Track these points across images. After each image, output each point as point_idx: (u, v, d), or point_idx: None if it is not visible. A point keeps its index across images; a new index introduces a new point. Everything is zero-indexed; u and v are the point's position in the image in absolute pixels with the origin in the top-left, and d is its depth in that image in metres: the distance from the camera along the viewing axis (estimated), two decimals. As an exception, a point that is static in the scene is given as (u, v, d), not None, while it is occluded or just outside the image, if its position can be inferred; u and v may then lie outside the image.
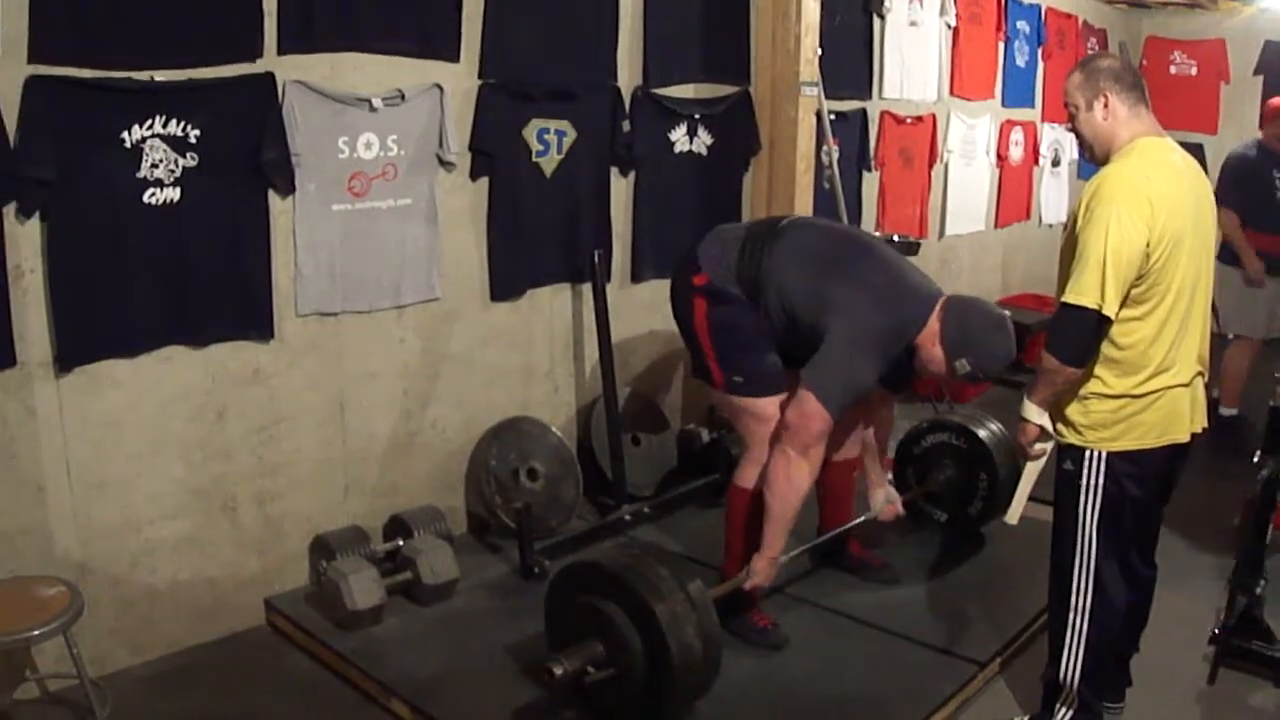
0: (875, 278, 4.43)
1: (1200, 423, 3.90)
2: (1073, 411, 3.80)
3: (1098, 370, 3.71)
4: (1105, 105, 3.73)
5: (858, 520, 5.22)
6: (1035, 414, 3.83)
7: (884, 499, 5.22)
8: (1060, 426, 3.86)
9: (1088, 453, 3.79)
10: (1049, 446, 3.93)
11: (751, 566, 4.54)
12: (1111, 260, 3.47)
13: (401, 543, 5.13)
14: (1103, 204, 3.53)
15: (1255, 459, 4.73)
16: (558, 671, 3.82)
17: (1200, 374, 3.87)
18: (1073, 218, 3.71)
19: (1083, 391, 3.76)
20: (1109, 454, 3.77)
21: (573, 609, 4.05)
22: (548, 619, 4.22)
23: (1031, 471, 4.04)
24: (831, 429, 4.38)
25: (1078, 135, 3.87)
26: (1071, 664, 3.99)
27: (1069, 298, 3.57)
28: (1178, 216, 3.58)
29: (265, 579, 5.02)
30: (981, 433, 5.59)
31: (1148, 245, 3.51)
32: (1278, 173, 7.57)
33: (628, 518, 5.85)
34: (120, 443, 4.45)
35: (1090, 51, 10.65)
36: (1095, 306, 3.51)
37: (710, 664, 3.97)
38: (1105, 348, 3.67)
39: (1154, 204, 3.51)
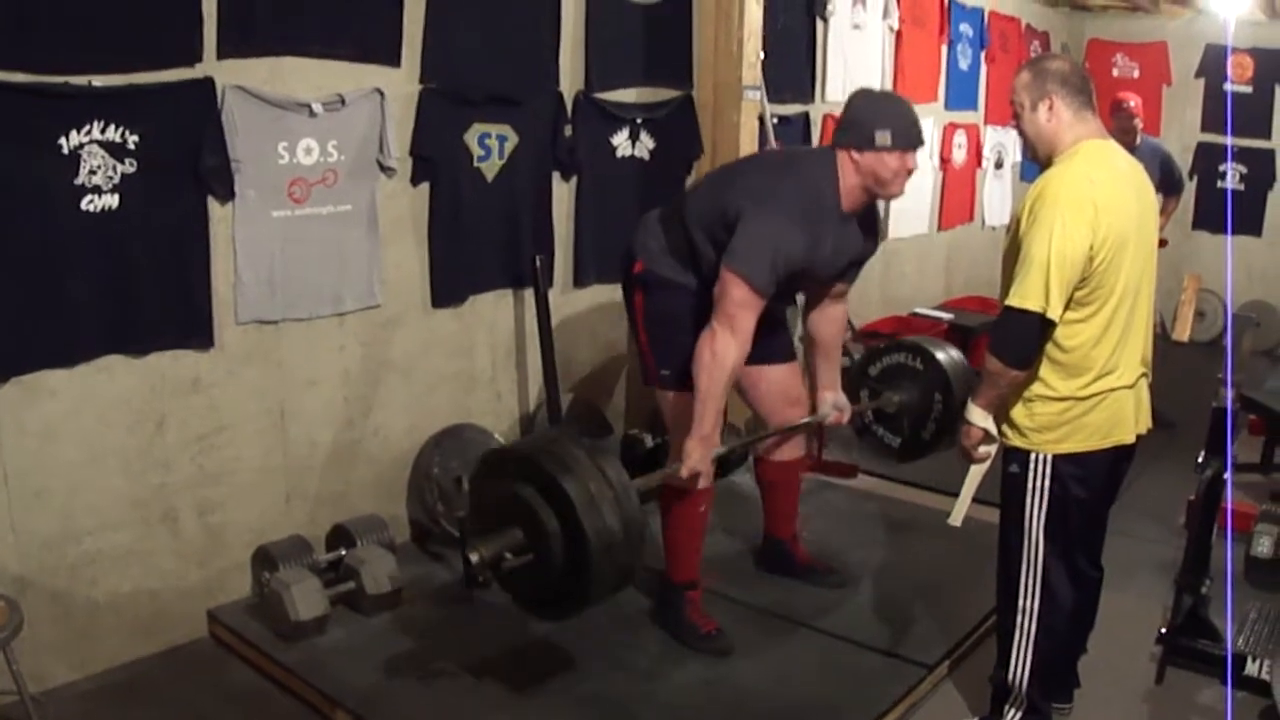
0: (766, 163, 4.71)
1: (1145, 424, 3.92)
2: (1018, 414, 3.82)
3: (1042, 373, 3.73)
4: (1050, 107, 3.73)
5: (803, 421, 5.14)
6: (979, 417, 3.84)
7: (832, 404, 5.11)
8: (1005, 429, 3.88)
9: (1033, 455, 3.80)
10: (993, 449, 3.94)
11: (684, 449, 4.43)
12: (1055, 263, 3.48)
13: (344, 552, 5.09)
14: (1046, 207, 3.54)
15: (1199, 460, 4.75)
16: (474, 558, 3.70)
17: (1144, 375, 3.89)
18: (1016, 221, 3.72)
19: (1027, 394, 3.77)
20: (1054, 456, 3.78)
21: (492, 499, 3.93)
22: (471, 513, 4.11)
23: (976, 474, 4.05)
24: (759, 307, 4.33)
25: (1021, 133, 3.88)
26: (1020, 666, 4.00)
27: (1013, 301, 3.58)
28: (1121, 219, 3.60)
29: (207, 590, 4.96)
30: (939, 355, 5.47)
31: (1091, 248, 3.51)
32: None
33: (573, 524, 5.81)
34: (58, 453, 4.39)
35: (1033, 54, 10.70)
36: (1039, 310, 3.52)
37: (630, 543, 3.82)
38: (1049, 350, 3.68)
39: (1098, 207, 3.52)
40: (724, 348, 4.27)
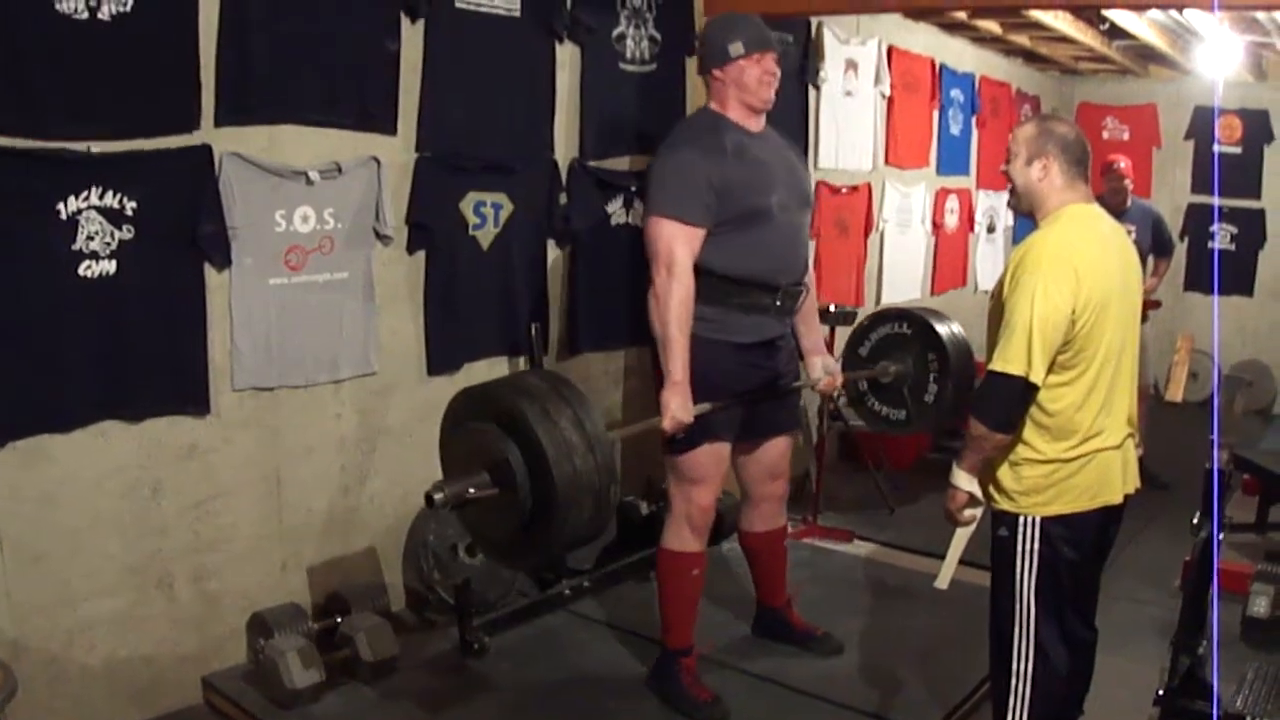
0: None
1: (1132, 484, 3.93)
2: (1005, 477, 3.83)
3: (1028, 436, 3.74)
4: (1044, 167, 3.77)
5: (796, 385, 5.07)
6: (965, 481, 3.85)
7: (822, 368, 5.10)
8: (993, 493, 3.89)
9: (1022, 518, 3.81)
10: (978, 513, 3.95)
11: (662, 402, 4.41)
12: (1038, 328, 3.52)
13: (340, 619, 5.07)
14: (1029, 272, 3.59)
15: (1194, 521, 4.76)
16: (437, 497, 3.66)
17: (1130, 435, 3.90)
18: (1000, 284, 3.76)
19: (1014, 457, 3.78)
20: (1043, 519, 3.79)
21: (458, 441, 3.91)
22: (441, 460, 4.08)
23: (961, 537, 4.05)
24: (691, 236, 4.41)
25: (1009, 179, 3.91)
26: (1015, 730, 3.99)
27: (996, 365, 3.62)
28: (1103, 283, 3.64)
29: (203, 657, 4.95)
30: (924, 315, 5.26)
31: (1073, 312, 3.55)
32: None
33: (567, 591, 5.81)
34: (54, 518, 4.39)
35: (1024, 118, 10.74)
36: (1022, 374, 3.56)
37: (601, 466, 3.71)
38: (1034, 413, 3.70)
39: (1079, 271, 3.57)
40: (663, 287, 4.38)
